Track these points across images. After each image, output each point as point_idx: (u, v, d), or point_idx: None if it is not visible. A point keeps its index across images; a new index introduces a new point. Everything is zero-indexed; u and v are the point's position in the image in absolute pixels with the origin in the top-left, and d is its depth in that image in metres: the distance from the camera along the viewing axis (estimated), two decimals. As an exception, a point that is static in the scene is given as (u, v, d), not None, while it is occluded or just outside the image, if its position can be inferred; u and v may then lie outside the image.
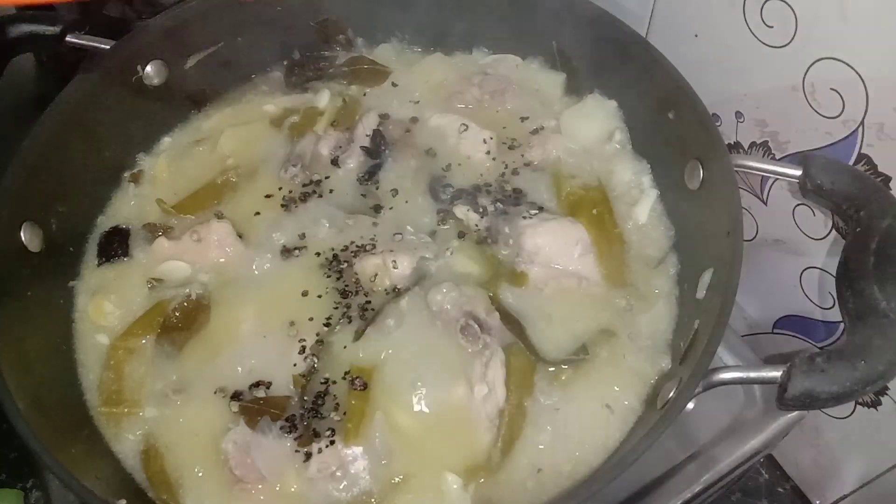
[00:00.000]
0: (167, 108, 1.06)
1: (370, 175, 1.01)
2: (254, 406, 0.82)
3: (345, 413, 0.81)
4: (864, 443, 1.02)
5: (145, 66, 0.99)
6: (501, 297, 0.90)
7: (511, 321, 0.88)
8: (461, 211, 0.96)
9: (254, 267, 0.93)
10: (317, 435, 0.80)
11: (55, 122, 0.91)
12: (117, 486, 0.79)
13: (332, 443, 0.79)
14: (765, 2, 0.89)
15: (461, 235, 0.95)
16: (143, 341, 0.89)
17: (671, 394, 0.74)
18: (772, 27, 0.90)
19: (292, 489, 0.79)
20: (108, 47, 0.97)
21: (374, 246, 0.94)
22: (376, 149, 1.02)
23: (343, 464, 0.79)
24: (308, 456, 0.79)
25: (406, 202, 0.99)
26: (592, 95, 1.06)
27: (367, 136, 1.03)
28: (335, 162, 1.02)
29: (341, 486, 0.78)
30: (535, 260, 0.91)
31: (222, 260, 0.94)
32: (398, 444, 0.80)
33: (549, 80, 1.11)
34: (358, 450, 0.79)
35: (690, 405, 0.73)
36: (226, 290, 0.92)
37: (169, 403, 0.85)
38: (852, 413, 1.01)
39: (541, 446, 0.81)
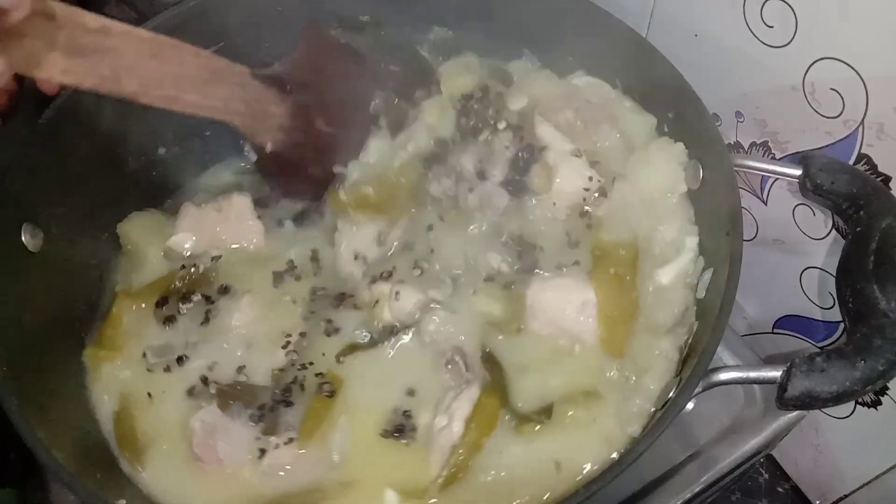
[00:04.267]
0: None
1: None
2: (230, 389, 0.84)
3: (306, 415, 0.83)
4: (864, 443, 1.02)
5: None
6: (491, 338, 0.88)
7: (493, 365, 0.86)
8: (495, 259, 0.91)
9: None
10: (275, 432, 0.82)
11: (55, 122, 0.91)
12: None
13: (291, 440, 0.81)
14: (765, 2, 0.89)
15: (488, 279, 0.91)
16: (143, 305, 0.93)
17: (671, 394, 0.74)
18: (772, 27, 0.90)
19: (245, 475, 0.81)
20: (108, 47, 0.97)
21: (390, 274, 0.90)
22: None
23: (295, 462, 0.81)
24: (263, 452, 0.81)
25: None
26: (658, 140, 0.96)
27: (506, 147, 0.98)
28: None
29: (291, 481, 0.81)
30: (537, 315, 0.87)
31: (234, 246, 0.98)
32: (353, 452, 0.82)
33: (637, 122, 0.99)
34: (312, 451, 0.81)
35: (690, 405, 0.73)
36: (235, 268, 0.96)
37: (153, 368, 0.88)
38: (852, 413, 1.01)
39: (482, 485, 0.79)
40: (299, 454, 0.81)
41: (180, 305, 0.92)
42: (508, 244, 0.93)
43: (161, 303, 0.93)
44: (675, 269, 0.88)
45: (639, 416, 0.79)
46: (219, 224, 0.98)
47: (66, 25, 0.68)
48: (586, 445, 0.79)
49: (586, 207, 0.94)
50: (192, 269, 0.95)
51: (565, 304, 0.86)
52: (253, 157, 0.97)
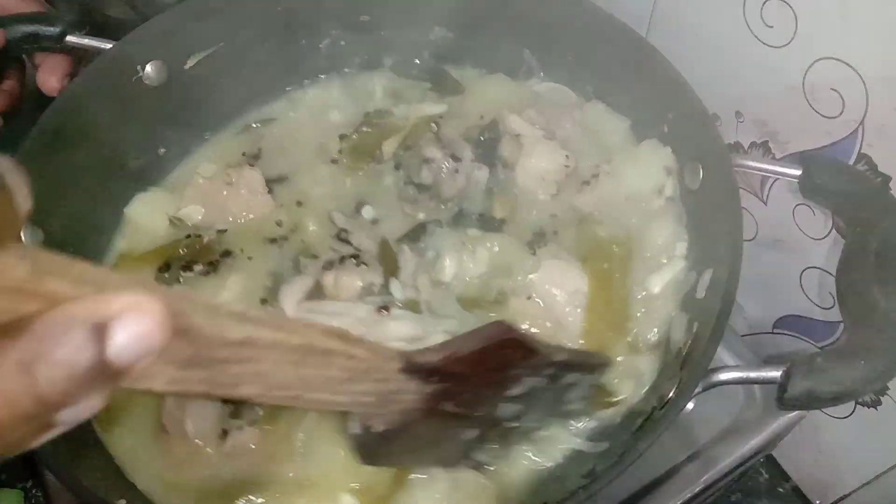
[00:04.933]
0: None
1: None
2: None
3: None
4: (864, 443, 1.02)
5: (145, 66, 0.99)
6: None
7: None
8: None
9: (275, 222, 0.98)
10: (240, 415, 0.82)
11: (55, 122, 0.91)
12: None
13: (254, 422, 0.81)
14: (765, 2, 0.89)
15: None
16: (145, 270, 0.94)
17: (671, 394, 0.74)
18: (772, 27, 0.90)
19: (207, 451, 0.81)
20: (108, 47, 0.97)
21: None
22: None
23: (258, 446, 0.81)
24: (225, 433, 0.81)
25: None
26: (648, 141, 0.98)
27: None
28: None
29: (249, 465, 0.80)
30: (524, 292, 0.87)
31: (242, 219, 0.98)
32: (315, 450, 0.81)
33: (612, 124, 1.03)
34: (274, 438, 0.81)
35: (690, 405, 0.73)
36: (240, 240, 0.97)
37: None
38: (852, 413, 1.01)
39: (436, 494, 0.78)
40: (262, 440, 0.81)
41: (181, 273, 0.93)
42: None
43: (163, 268, 0.93)
44: (665, 278, 0.88)
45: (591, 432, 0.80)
46: (229, 197, 0.99)
47: (198, 340, 0.44)
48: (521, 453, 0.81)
49: (576, 203, 0.96)
50: (198, 239, 0.96)
51: (557, 286, 0.86)
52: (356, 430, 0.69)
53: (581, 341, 0.86)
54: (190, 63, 1.04)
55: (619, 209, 0.95)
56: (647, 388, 0.84)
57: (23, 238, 0.85)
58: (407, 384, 0.64)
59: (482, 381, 0.68)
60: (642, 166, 0.95)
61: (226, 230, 0.98)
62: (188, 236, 0.97)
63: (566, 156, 0.97)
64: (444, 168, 0.96)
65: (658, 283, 0.88)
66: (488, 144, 1.00)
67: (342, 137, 1.05)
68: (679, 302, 0.87)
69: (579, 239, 0.93)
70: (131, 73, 0.98)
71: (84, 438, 0.80)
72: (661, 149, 0.95)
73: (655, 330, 0.86)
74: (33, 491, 1.02)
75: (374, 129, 1.05)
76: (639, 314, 0.88)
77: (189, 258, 0.94)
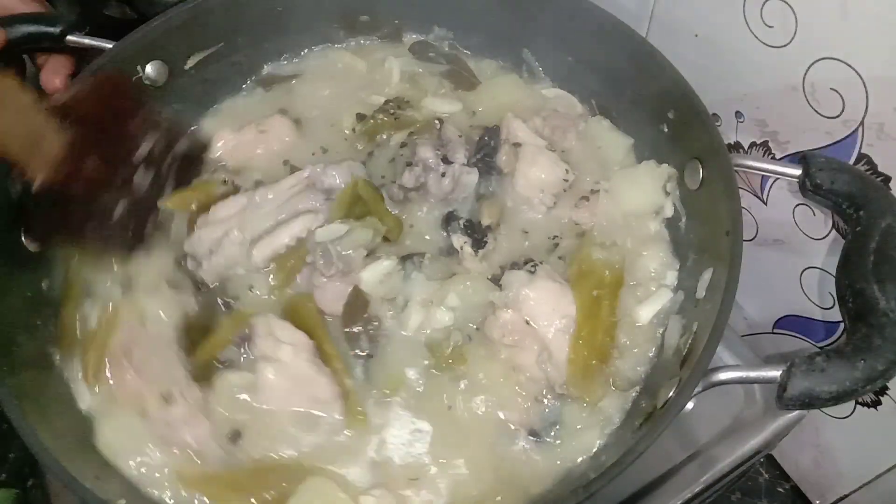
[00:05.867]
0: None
1: None
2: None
3: None
4: (864, 443, 1.02)
5: (145, 66, 0.99)
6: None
7: None
8: (458, 240, 0.92)
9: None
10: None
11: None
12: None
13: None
14: (765, 2, 0.89)
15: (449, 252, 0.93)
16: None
17: (671, 393, 0.74)
18: (772, 27, 0.90)
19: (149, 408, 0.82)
20: (108, 47, 0.97)
21: None
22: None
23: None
24: (169, 398, 0.81)
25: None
26: (648, 162, 0.97)
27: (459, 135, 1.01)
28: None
29: (189, 439, 0.81)
30: (513, 306, 0.85)
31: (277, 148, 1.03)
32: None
33: (614, 141, 1.02)
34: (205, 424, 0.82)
35: (690, 405, 0.73)
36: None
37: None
38: (852, 413, 1.01)
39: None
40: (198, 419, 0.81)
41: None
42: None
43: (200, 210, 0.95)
44: (654, 308, 0.88)
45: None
46: (259, 145, 1.03)
47: None
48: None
49: (574, 218, 0.95)
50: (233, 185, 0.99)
51: (547, 308, 0.84)
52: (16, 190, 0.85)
53: (565, 370, 0.83)
54: (190, 63, 1.04)
55: (616, 228, 0.95)
56: (613, 428, 0.83)
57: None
58: (47, 125, 0.80)
59: (111, 133, 0.87)
60: (641, 186, 0.96)
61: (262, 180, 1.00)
62: (224, 182, 1.00)
63: (566, 169, 0.96)
64: (431, 170, 0.95)
65: (647, 314, 0.88)
66: (488, 149, 0.99)
67: (360, 116, 1.06)
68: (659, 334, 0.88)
69: (573, 260, 0.91)
70: (131, 72, 0.99)
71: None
72: (658, 168, 0.95)
73: (634, 370, 0.86)
74: (33, 491, 1.02)
75: (388, 119, 1.05)
76: (623, 346, 0.87)
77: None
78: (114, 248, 0.91)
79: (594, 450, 0.82)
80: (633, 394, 0.84)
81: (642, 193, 0.95)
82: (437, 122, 1.01)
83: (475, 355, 0.86)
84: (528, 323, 0.84)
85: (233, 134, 1.03)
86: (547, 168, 0.96)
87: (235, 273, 0.92)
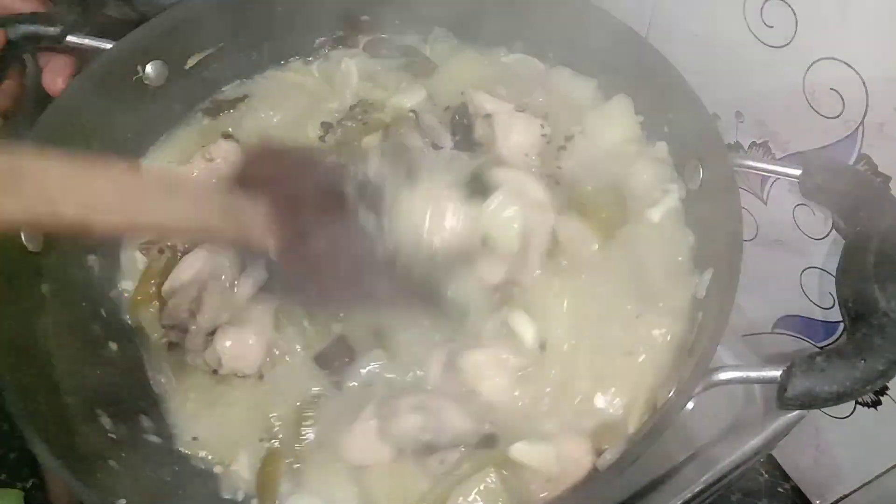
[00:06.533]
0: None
1: None
2: None
3: None
4: (864, 443, 1.02)
5: (145, 66, 0.99)
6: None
7: None
8: None
9: None
10: None
11: (55, 122, 0.91)
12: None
13: None
14: (765, 2, 0.89)
15: None
16: None
17: (671, 393, 0.74)
18: (772, 27, 0.90)
19: None
20: (108, 47, 0.97)
21: None
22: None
23: None
24: None
25: None
26: (618, 97, 1.01)
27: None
28: None
29: None
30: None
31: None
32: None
33: (579, 85, 1.06)
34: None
35: (690, 405, 0.73)
36: None
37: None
38: (852, 413, 1.01)
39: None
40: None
41: None
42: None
43: None
44: (664, 208, 0.92)
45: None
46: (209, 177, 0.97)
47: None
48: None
49: (557, 165, 0.98)
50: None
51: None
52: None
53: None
54: (190, 63, 1.04)
55: (600, 165, 0.97)
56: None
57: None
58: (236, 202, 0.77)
59: (291, 191, 0.82)
60: (614, 120, 1.00)
61: None
62: None
63: (541, 125, 0.98)
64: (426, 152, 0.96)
65: (657, 213, 0.92)
66: (464, 129, 1.00)
67: (325, 126, 1.05)
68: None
69: (571, 197, 0.93)
70: (131, 73, 0.98)
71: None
72: (627, 100, 0.99)
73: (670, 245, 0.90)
74: (33, 491, 1.02)
75: (357, 124, 1.04)
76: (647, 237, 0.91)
77: None
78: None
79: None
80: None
81: (617, 125, 0.99)
82: (411, 114, 1.01)
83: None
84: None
85: (179, 167, 0.98)
86: (523, 129, 0.97)
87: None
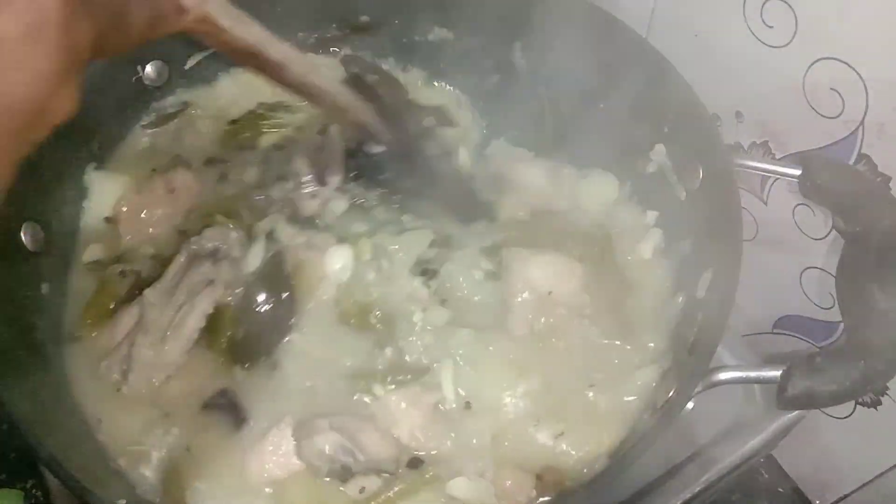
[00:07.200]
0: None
1: None
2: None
3: None
4: (864, 443, 1.02)
5: (145, 66, 0.99)
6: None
7: None
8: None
9: None
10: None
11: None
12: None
13: None
14: (765, 2, 0.89)
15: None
16: None
17: (671, 393, 0.74)
18: (772, 27, 0.90)
19: None
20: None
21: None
22: None
23: None
24: None
25: None
26: (596, 171, 1.02)
27: None
28: None
29: None
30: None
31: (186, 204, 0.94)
32: None
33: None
34: None
35: (690, 405, 0.73)
36: None
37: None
38: (852, 413, 1.01)
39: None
40: None
41: None
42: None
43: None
44: (652, 244, 0.94)
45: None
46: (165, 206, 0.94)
47: None
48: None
49: None
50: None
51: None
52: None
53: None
54: (190, 63, 1.04)
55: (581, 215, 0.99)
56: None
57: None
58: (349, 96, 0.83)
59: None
60: (598, 188, 1.01)
61: None
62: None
63: None
64: (302, 188, 0.92)
65: (647, 249, 0.94)
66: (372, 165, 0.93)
67: (232, 123, 1.03)
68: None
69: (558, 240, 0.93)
70: (131, 72, 0.99)
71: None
72: (607, 175, 1.01)
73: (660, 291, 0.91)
74: (33, 491, 1.02)
75: (256, 119, 1.02)
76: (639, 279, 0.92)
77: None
78: None
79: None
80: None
81: (600, 193, 1.01)
82: (323, 125, 0.96)
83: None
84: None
85: (136, 196, 0.93)
86: None
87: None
